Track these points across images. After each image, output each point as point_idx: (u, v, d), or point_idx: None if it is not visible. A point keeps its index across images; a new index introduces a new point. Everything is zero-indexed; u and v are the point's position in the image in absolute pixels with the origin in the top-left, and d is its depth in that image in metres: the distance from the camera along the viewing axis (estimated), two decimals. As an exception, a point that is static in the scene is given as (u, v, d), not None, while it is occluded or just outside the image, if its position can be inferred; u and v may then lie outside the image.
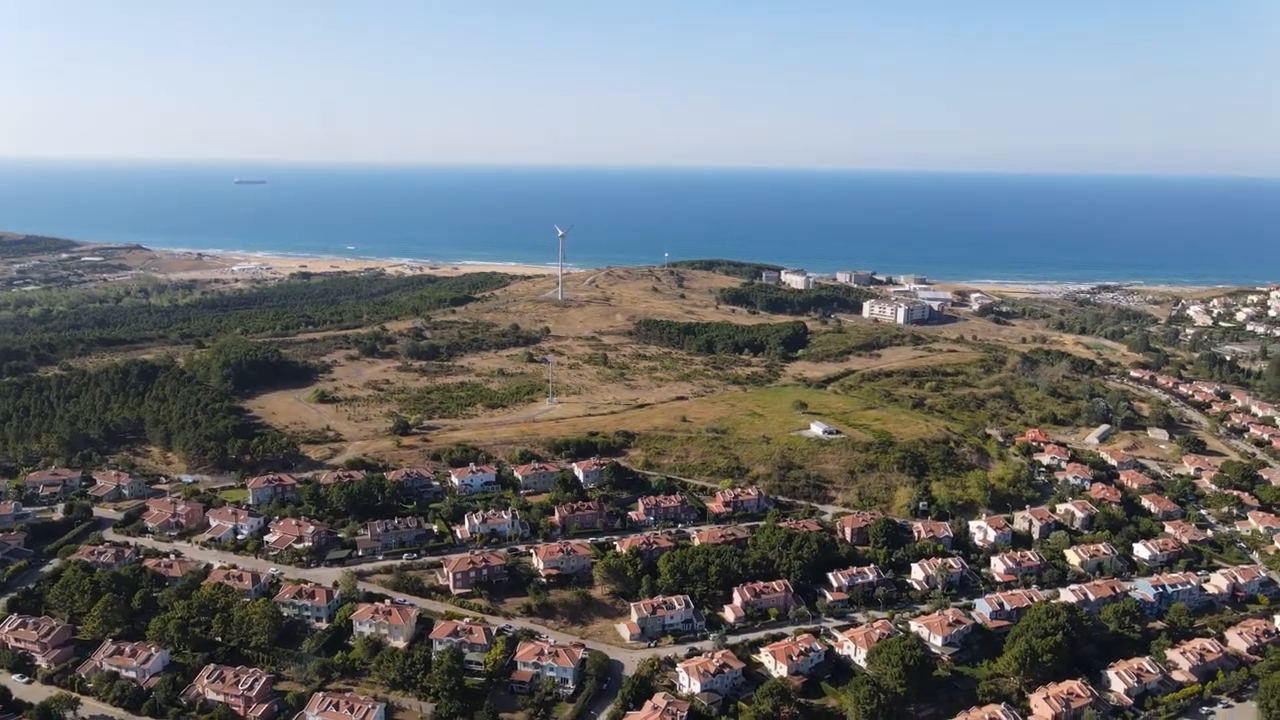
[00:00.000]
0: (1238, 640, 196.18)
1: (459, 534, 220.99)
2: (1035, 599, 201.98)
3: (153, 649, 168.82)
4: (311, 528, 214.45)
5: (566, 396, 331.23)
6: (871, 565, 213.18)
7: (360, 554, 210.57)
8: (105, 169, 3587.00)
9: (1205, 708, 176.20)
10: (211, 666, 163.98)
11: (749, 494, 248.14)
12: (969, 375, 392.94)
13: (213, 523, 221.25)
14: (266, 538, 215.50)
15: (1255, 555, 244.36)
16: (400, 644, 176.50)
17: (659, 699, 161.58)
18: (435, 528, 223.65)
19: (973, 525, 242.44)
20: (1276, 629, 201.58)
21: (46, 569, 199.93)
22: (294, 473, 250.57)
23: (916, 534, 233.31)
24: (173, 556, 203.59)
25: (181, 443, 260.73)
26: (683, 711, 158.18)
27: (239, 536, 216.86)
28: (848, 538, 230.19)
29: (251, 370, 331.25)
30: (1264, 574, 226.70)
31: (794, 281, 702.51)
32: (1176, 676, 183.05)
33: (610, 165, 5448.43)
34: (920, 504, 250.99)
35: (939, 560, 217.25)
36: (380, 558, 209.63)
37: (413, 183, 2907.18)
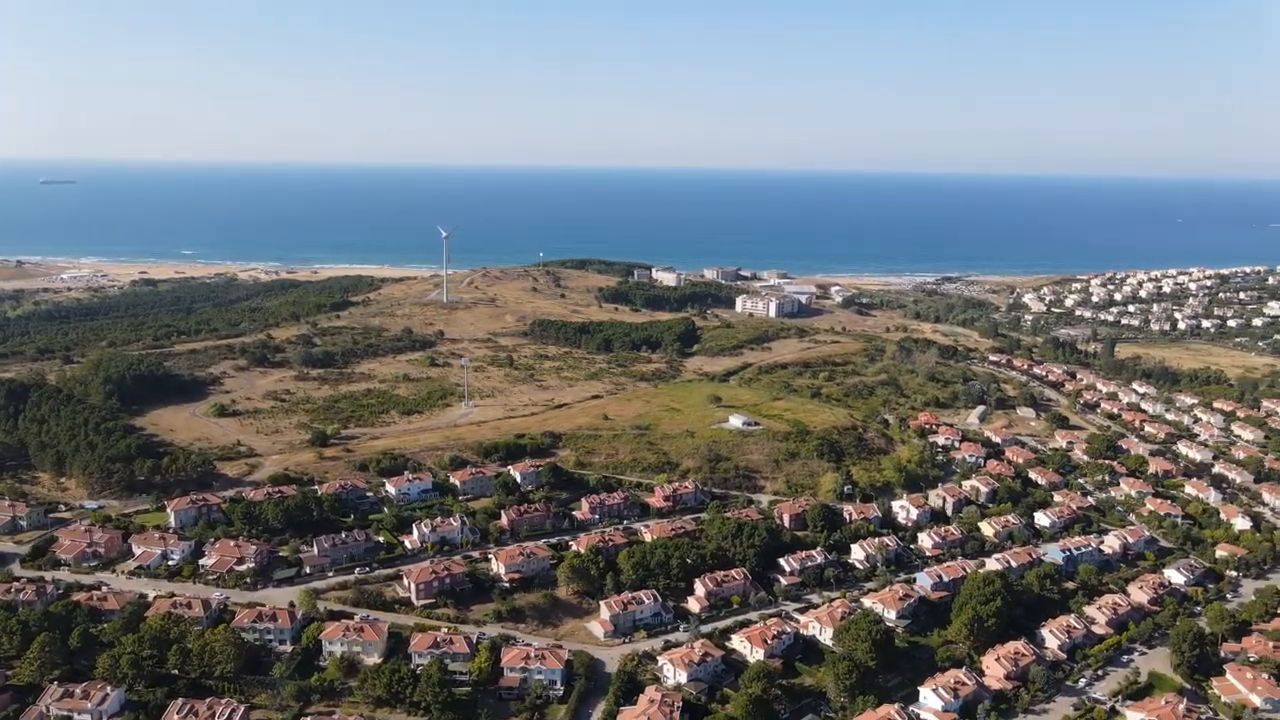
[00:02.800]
0: (1139, 594, 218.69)
1: (408, 544, 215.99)
2: (968, 569, 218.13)
3: (107, 688, 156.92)
4: (253, 548, 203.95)
5: (481, 399, 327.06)
6: (818, 549, 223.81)
7: (308, 571, 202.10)
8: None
9: (1125, 656, 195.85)
10: (180, 701, 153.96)
11: (686, 487, 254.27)
12: (856, 364, 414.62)
13: (137, 550, 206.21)
14: (202, 561, 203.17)
15: (1132, 517, 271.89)
16: (375, 660, 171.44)
17: (652, 692, 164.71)
18: (381, 539, 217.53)
19: (895, 505, 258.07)
20: (1168, 581, 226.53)
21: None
22: (213, 492, 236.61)
23: (848, 516, 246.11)
24: (105, 589, 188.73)
25: (80, 466, 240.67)
26: (677, 702, 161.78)
27: (170, 562, 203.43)
28: (786, 524, 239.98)
29: (137, 385, 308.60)
30: (1147, 534, 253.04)
31: (665, 279, 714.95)
32: (1096, 630, 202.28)
33: (457, 166, 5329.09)
34: (845, 488, 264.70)
35: (876, 540, 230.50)
36: (331, 574, 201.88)
37: (247, 183, 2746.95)
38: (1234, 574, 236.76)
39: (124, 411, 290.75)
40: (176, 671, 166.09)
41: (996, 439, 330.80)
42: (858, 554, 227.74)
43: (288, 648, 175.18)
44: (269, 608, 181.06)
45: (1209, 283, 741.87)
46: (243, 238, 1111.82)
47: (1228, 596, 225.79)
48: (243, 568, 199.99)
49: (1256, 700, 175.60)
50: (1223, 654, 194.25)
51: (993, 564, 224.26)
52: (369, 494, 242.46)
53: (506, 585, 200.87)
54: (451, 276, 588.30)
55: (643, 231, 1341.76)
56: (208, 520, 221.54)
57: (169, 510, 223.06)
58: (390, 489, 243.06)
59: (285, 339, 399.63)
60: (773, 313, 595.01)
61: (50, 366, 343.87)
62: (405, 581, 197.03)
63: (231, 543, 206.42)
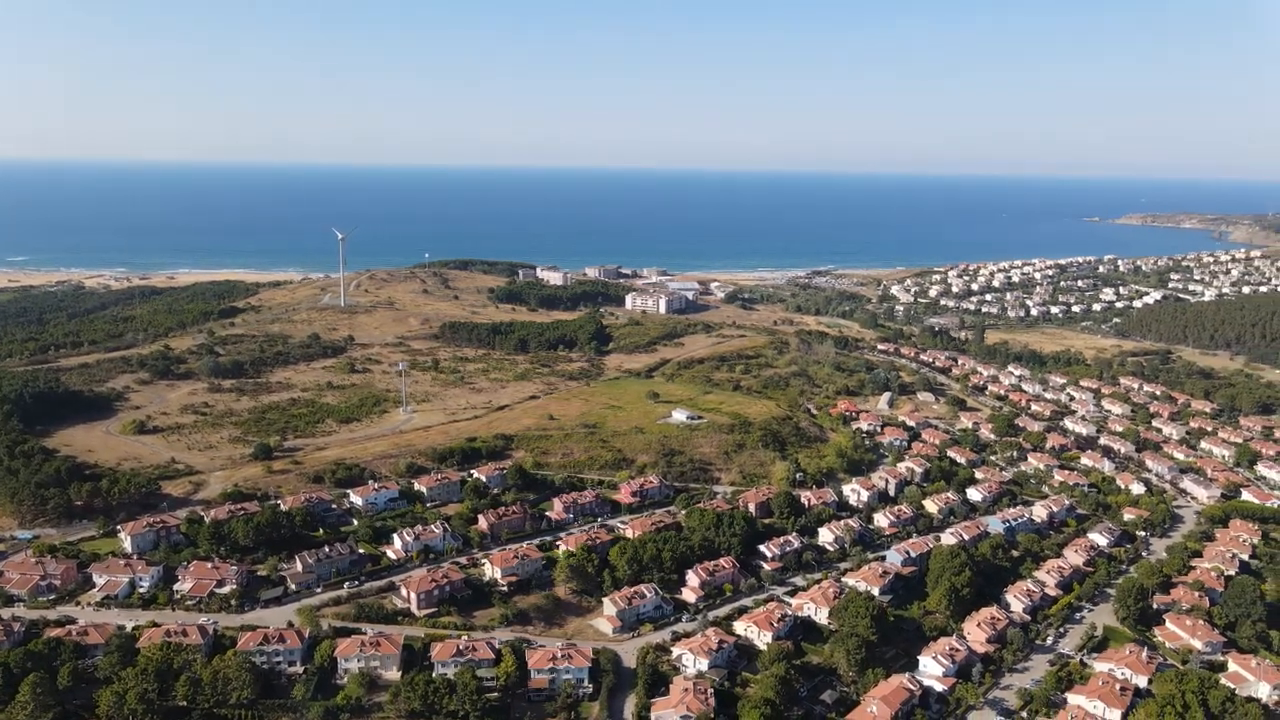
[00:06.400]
0: (1074, 557, 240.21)
1: (392, 554, 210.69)
2: (930, 545, 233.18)
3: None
4: (233, 569, 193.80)
5: (418, 404, 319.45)
6: (792, 534, 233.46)
7: (295, 589, 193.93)
8: None
9: (1077, 613, 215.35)
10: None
11: (651, 482, 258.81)
12: (766, 357, 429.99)
13: (99, 579, 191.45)
14: (177, 587, 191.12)
15: (1045, 488, 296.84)
16: (394, 674, 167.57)
17: (682, 681, 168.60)
18: (363, 551, 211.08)
19: (846, 489, 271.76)
20: (1095, 544, 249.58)
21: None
22: (161, 513, 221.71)
23: (808, 502, 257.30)
24: (83, 623, 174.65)
25: (7, 494, 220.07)
26: (708, 689, 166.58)
27: (140, 590, 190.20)
28: (753, 512, 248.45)
29: (37, 404, 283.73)
30: (1068, 502, 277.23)
31: (552, 278, 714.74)
32: (1049, 592, 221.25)
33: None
34: (797, 475, 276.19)
35: (842, 522, 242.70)
36: (319, 590, 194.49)
37: (63, 181, 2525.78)
38: (1143, 534, 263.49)
39: (29, 433, 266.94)
40: (186, 703, 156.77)
41: (911, 423, 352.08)
42: (826, 536, 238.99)
43: (298, 669, 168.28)
44: (274, 629, 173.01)
45: (1050, 272, 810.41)
46: (81, 242, 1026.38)
47: (1143, 554, 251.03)
48: (224, 590, 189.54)
49: (1198, 644, 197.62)
50: (1156, 606, 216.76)
51: (948, 538, 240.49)
52: (334, 506, 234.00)
53: (504, 589, 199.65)
54: (338, 279, 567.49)
55: (507, 231, 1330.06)
56: (169, 543, 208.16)
57: (124, 535, 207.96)
58: (357, 499, 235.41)
59: (185, 349, 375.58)
60: (663, 309, 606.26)
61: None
62: (404, 592, 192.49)
63: (207, 565, 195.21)
